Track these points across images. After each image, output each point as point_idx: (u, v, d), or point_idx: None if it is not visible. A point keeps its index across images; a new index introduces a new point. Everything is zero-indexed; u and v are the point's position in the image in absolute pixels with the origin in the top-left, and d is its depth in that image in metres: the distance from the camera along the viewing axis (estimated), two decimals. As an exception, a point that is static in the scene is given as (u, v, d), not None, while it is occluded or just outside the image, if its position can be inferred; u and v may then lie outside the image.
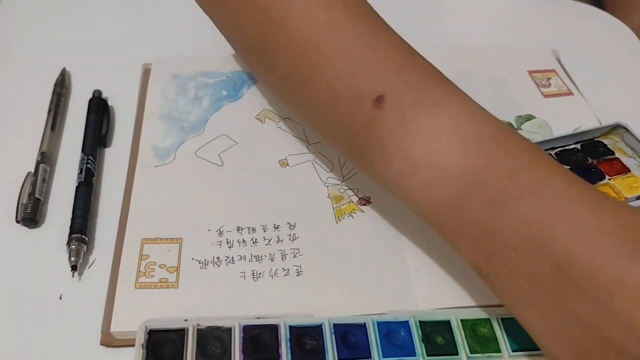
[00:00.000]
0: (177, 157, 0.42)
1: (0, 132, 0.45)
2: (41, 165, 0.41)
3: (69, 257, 0.36)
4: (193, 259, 0.37)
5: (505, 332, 0.34)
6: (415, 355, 0.33)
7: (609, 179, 0.42)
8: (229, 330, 0.33)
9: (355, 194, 0.41)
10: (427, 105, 0.30)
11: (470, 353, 0.33)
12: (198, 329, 0.33)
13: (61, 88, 0.47)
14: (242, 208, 0.40)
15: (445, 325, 0.34)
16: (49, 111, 0.45)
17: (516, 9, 0.61)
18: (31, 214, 0.38)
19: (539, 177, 0.28)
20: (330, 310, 0.35)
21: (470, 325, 0.34)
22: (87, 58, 0.50)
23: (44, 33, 0.53)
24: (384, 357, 0.33)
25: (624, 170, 0.43)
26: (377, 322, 0.34)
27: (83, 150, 0.42)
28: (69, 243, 0.37)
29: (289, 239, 0.38)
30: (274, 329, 0.33)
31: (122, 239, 0.38)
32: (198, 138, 0.44)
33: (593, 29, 0.59)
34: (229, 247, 0.38)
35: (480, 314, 0.35)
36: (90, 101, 0.46)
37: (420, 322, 0.34)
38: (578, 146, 0.45)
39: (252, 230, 0.39)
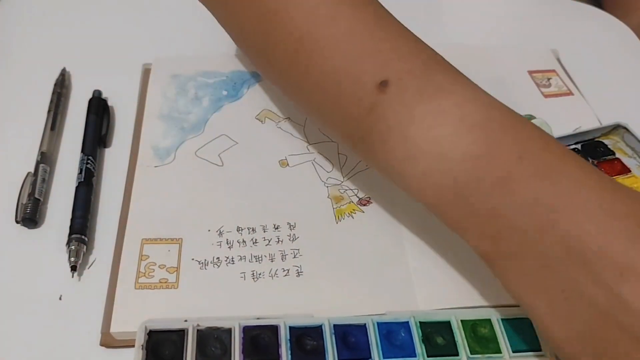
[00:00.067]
0: (177, 157, 0.42)
1: (0, 132, 0.45)
2: (41, 165, 0.41)
3: (69, 257, 0.36)
4: (193, 259, 0.37)
5: (505, 332, 0.34)
6: (415, 356, 0.33)
7: (610, 179, 0.42)
8: (228, 331, 0.33)
9: (356, 194, 0.41)
10: (432, 92, 0.30)
11: (471, 353, 0.33)
12: (198, 330, 0.33)
13: (61, 88, 0.47)
14: (242, 208, 0.40)
15: (446, 325, 0.34)
16: (49, 111, 0.45)
17: (516, 9, 0.61)
18: (31, 214, 0.38)
19: (549, 161, 0.27)
20: (330, 311, 0.34)
21: (470, 326, 0.34)
22: (87, 58, 0.50)
23: (44, 33, 0.53)
24: (384, 357, 0.33)
25: (625, 170, 0.43)
26: (377, 323, 0.34)
27: (83, 150, 0.42)
28: (68, 243, 0.37)
29: (289, 239, 0.38)
30: (274, 329, 0.33)
31: (122, 239, 0.38)
32: (198, 138, 0.44)
33: (593, 29, 0.58)
34: (229, 247, 0.38)
35: (480, 314, 0.35)
36: (90, 101, 0.45)
37: (420, 322, 0.34)
38: (578, 146, 0.45)
39: (252, 230, 0.39)
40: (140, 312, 0.34)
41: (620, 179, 0.42)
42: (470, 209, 0.28)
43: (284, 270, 0.37)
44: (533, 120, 0.48)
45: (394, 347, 0.33)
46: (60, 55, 0.50)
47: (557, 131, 0.46)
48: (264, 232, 0.39)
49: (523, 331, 0.34)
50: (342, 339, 0.33)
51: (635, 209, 0.26)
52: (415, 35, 0.33)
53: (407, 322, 0.34)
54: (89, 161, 0.41)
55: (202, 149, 0.43)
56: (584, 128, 0.45)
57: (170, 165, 0.42)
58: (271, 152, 0.43)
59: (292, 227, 0.39)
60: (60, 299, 0.36)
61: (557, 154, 0.28)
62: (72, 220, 0.38)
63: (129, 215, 0.39)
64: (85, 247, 0.37)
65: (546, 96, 0.50)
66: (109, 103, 0.46)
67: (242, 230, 0.39)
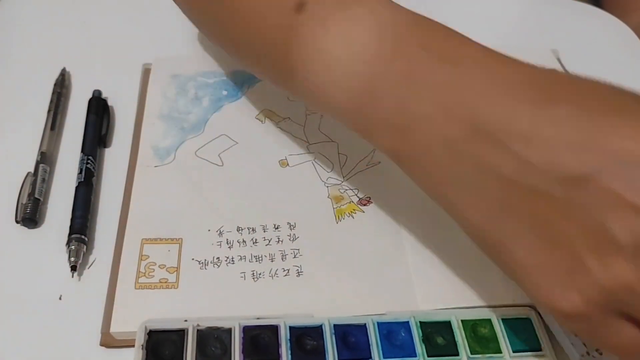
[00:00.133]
0: (177, 157, 0.42)
1: (0, 132, 0.45)
2: (41, 165, 0.41)
3: (69, 257, 0.36)
4: (193, 259, 0.37)
5: (505, 332, 0.34)
6: (415, 356, 0.33)
7: (610, 179, 0.42)
8: (229, 331, 0.33)
9: (356, 194, 0.41)
10: (348, 4, 0.30)
11: (471, 353, 0.33)
12: (198, 330, 0.33)
13: (61, 88, 0.47)
14: (242, 208, 0.40)
15: (446, 325, 0.34)
16: (49, 111, 0.45)
17: (516, 9, 0.61)
18: (31, 214, 0.38)
19: (452, 47, 0.28)
20: (331, 311, 0.34)
21: (470, 326, 0.34)
22: (87, 58, 0.50)
23: (44, 33, 0.53)
24: (384, 357, 0.33)
25: (625, 170, 0.43)
26: (378, 323, 0.34)
27: (83, 150, 0.42)
28: (68, 243, 0.37)
29: (289, 239, 0.38)
30: (274, 329, 0.33)
31: (122, 239, 0.38)
32: (198, 138, 0.44)
33: (593, 29, 0.58)
34: (229, 247, 0.38)
35: (481, 314, 0.35)
36: (90, 101, 0.45)
37: (420, 322, 0.34)
38: (578, 146, 0.45)
39: (252, 230, 0.39)
40: (140, 312, 0.34)
41: (621, 178, 0.42)
42: (379, 107, 0.28)
43: (284, 270, 0.37)
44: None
45: (394, 347, 0.33)
46: (60, 55, 0.50)
47: (557, 131, 0.46)
48: (264, 232, 0.39)
49: (523, 331, 0.34)
50: (342, 339, 0.33)
51: (537, 77, 0.26)
52: None
53: (407, 322, 0.34)
54: (89, 161, 0.41)
55: (202, 149, 0.43)
56: (584, 128, 0.45)
57: (170, 165, 0.42)
58: (271, 152, 0.43)
59: (292, 227, 0.39)
60: (60, 299, 0.36)
61: (459, 40, 0.29)
62: (72, 220, 0.38)
63: (129, 215, 0.39)
64: (85, 247, 0.37)
65: (546, 96, 0.50)
66: (109, 103, 0.46)
67: (242, 230, 0.39)
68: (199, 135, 0.44)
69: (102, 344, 0.34)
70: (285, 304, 0.35)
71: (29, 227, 0.39)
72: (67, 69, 0.48)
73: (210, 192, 0.40)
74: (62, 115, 0.46)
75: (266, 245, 0.38)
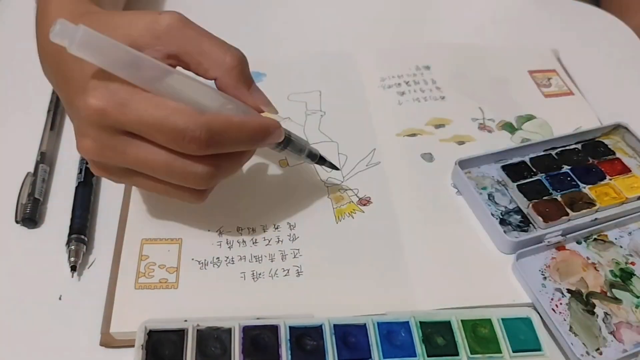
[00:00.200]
0: (177, 157, 0.42)
1: (0, 132, 0.45)
2: (41, 165, 0.41)
3: (69, 257, 0.36)
4: (193, 259, 0.37)
5: (505, 332, 0.34)
6: (415, 356, 0.33)
7: (610, 179, 0.42)
8: (228, 331, 0.33)
9: (356, 194, 0.41)
10: None
11: (471, 353, 0.33)
12: (198, 330, 0.33)
13: (61, 88, 0.46)
14: (242, 208, 0.40)
15: (446, 325, 0.34)
16: (49, 111, 0.45)
17: (516, 9, 0.61)
18: (30, 214, 0.38)
19: None
20: (330, 311, 0.34)
21: (470, 326, 0.34)
22: (87, 58, 0.50)
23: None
24: (384, 357, 0.33)
25: (625, 170, 0.43)
26: (378, 323, 0.34)
27: (83, 151, 0.42)
28: (68, 243, 0.37)
29: (289, 239, 0.38)
30: (274, 329, 0.33)
31: (121, 239, 0.38)
32: (198, 138, 0.44)
33: (593, 29, 0.58)
34: (229, 247, 0.38)
35: (480, 314, 0.35)
36: (90, 101, 0.45)
37: (420, 322, 0.34)
38: (579, 146, 0.45)
39: (252, 230, 0.39)
40: (140, 312, 0.34)
41: (621, 179, 0.42)
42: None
43: (284, 270, 0.37)
44: (534, 120, 0.48)
45: (394, 347, 0.33)
46: (60, 55, 0.49)
47: (558, 131, 0.46)
48: (264, 232, 0.39)
49: (523, 331, 0.34)
50: (342, 339, 0.33)
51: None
52: None
53: (407, 322, 0.34)
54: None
55: (202, 149, 0.43)
56: (584, 128, 0.45)
57: (170, 165, 0.42)
58: (271, 152, 0.43)
59: (292, 227, 0.39)
60: (60, 299, 0.36)
61: None
62: (72, 220, 0.38)
63: (128, 215, 0.39)
64: (85, 247, 0.37)
65: (546, 96, 0.50)
66: (109, 103, 0.46)
67: (242, 230, 0.39)
68: (199, 135, 0.44)
69: (102, 344, 0.34)
70: (285, 304, 0.35)
71: (29, 227, 0.39)
72: (67, 69, 0.48)
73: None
74: (62, 115, 0.46)
75: (266, 245, 0.38)
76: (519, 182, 0.41)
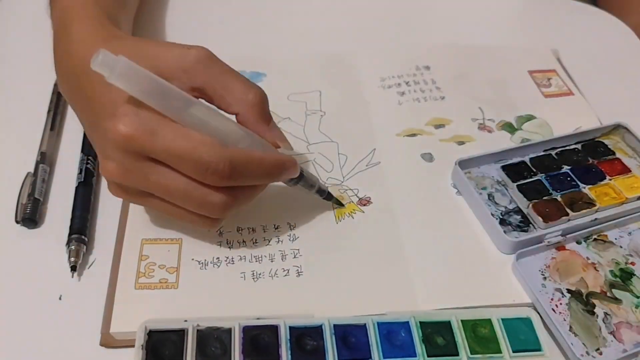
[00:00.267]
0: (177, 157, 0.42)
1: (0, 132, 0.45)
2: (41, 165, 0.41)
3: (69, 257, 0.36)
4: (193, 259, 0.37)
5: (505, 332, 0.34)
6: (415, 356, 0.33)
7: (610, 179, 0.42)
8: (228, 331, 0.33)
9: (356, 194, 0.41)
10: None
11: (471, 354, 0.33)
12: (198, 330, 0.33)
13: (61, 88, 0.46)
14: (242, 208, 0.40)
15: (446, 325, 0.34)
16: (49, 111, 0.45)
17: (516, 9, 0.61)
18: (31, 214, 0.38)
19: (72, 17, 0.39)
20: (331, 311, 0.34)
21: (470, 326, 0.34)
22: (87, 58, 0.50)
23: (44, 33, 0.52)
24: (384, 357, 0.33)
25: (625, 170, 0.43)
26: (378, 323, 0.34)
27: (83, 150, 0.42)
28: (68, 243, 0.37)
29: (289, 240, 0.38)
30: (274, 329, 0.33)
31: (121, 239, 0.38)
32: (198, 138, 0.44)
33: (593, 29, 0.58)
34: (229, 247, 0.38)
35: (480, 314, 0.35)
36: (90, 101, 0.45)
37: (420, 322, 0.34)
38: (579, 146, 0.45)
39: (252, 230, 0.39)
40: (140, 312, 0.34)
41: (621, 179, 0.42)
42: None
43: (284, 270, 0.37)
44: (534, 121, 0.48)
45: (394, 347, 0.33)
46: (60, 55, 0.49)
47: (558, 131, 0.46)
48: (264, 232, 0.39)
49: (523, 331, 0.34)
50: (342, 339, 0.33)
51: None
52: None
53: (407, 322, 0.34)
54: (89, 161, 0.41)
55: (202, 149, 0.43)
56: (584, 128, 0.45)
57: (170, 165, 0.42)
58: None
59: (292, 227, 0.39)
60: (60, 299, 0.36)
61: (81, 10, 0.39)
62: (72, 220, 0.38)
63: (128, 215, 0.39)
64: (85, 247, 0.37)
65: (546, 96, 0.50)
66: (109, 103, 0.46)
67: (242, 230, 0.39)
68: (199, 135, 0.44)
69: (102, 344, 0.34)
70: (285, 304, 0.35)
71: (29, 227, 0.39)
72: (67, 69, 0.48)
73: (210, 192, 0.40)
74: (62, 115, 0.46)
75: (266, 245, 0.38)
76: (519, 182, 0.41)
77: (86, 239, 0.37)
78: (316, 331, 0.33)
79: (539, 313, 0.35)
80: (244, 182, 0.34)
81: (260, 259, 0.37)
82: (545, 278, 0.37)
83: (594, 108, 0.49)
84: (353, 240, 0.39)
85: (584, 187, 0.41)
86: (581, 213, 0.40)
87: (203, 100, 0.34)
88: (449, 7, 0.60)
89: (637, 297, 0.37)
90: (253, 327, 0.33)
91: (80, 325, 0.34)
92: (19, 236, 0.38)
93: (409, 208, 0.41)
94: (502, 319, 0.35)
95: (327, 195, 0.39)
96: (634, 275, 0.38)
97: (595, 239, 0.40)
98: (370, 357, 0.33)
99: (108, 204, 0.40)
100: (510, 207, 0.41)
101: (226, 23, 0.56)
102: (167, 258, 0.37)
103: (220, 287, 0.36)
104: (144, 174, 0.32)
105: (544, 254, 0.38)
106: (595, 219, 0.40)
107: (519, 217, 0.40)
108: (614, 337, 0.35)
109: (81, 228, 0.38)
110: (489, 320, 0.35)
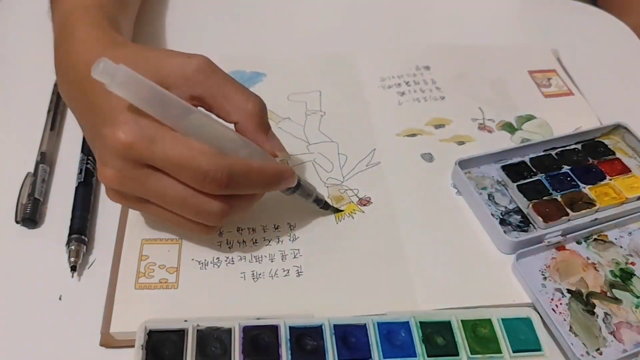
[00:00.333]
0: (177, 157, 0.42)
1: (0, 132, 0.45)
2: (41, 165, 0.41)
3: (69, 257, 0.36)
4: (193, 259, 0.37)
5: (505, 332, 0.34)
6: (415, 356, 0.33)
7: (610, 179, 0.42)
8: (228, 331, 0.33)
9: (356, 195, 0.41)
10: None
11: (471, 354, 0.33)
12: (198, 330, 0.33)
13: (61, 88, 0.46)
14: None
15: (446, 325, 0.34)
16: (49, 111, 0.45)
17: (516, 9, 0.61)
18: (31, 214, 0.38)
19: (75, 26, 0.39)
20: (331, 311, 0.34)
21: (470, 326, 0.34)
22: (87, 58, 0.50)
23: (44, 33, 0.52)
24: (384, 357, 0.33)
25: (625, 170, 0.43)
26: (378, 323, 0.34)
27: (83, 151, 0.42)
28: (68, 243, 0.37)
29: (289, 240, 0.38)
30: (274, 329, 0.33)
31: (121, 239, 0.38)
32: (198, 138, 0.44)
33: (593, 29, 0.58)
34: (229, 247, 0.38)
35: (480, 314, 0.35)
36: (90, 101, 0.45)
37: (420, 322, 0.34)
38: (579, 146, 0.45)
39: (252, 230, 0.39)
40: (140, 312, 0.34)
41: (621, 179, 0.42)
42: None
43: (284, 270, 0.37)
44: (534, 121, 0.48)
45: (394, 347, 0.33)
46: (60, 55, 0.49)
47: (558, 131, 0.46)
48: (264, 232, 0.39)
49: (523, 331, 0.34)
50: (342, 339, 0.33)
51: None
52: None
53: (407, 322, 0.34)
54: (89, 161, 0.41)
55: (202, 149, 0.43)
56: (584, 128, 0.45)
57: (170, 165, 0.42)
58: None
59: (292, 227, 0.39)
60: (60, 299, 0.36)
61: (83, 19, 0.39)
62: (72, 220, 0.38)
63: (128, 215, 0.39)
64: (85, 247, 0.37)
65: (546, 96, 0.50)
66: (109, 103, 0.46)
67: (242, 230, 0.39)
68: (199, 135, 0.44)
69: (102, 344, 0.34)
70: (285, 304, 0.35)
71: (29, 227, 0.39)
72: (67, 69, 0.48)
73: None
74: (62, 115, 0.46)
75: (266, 245, 0.38)
76: (519, 182, 0.41)
77: (86, 239, 0.37)
78: (316, 331, 0.33)
79: (539, 313, 0.35)
80: (242, 191, 0.34)
81: (260, 259, 0.37)
82: (545, 278, 0.37)
83: (594, 108, 0.49)
84: (353, 241, 0.39)
85: (584, 187, 0.41)
86: (581, 213, 0.40)
87: (202, 109, 0.34)
88: (449, 7, 0.60)
89: (637, 297, 0.37)
90: (253, 327, 0.33)
91: (80, 325, 0.34)
92: (19, 236, 0.38)
93: (409, 208, 0.41)
94: (502, 319, 0.35)
95: (324, 205, 0.39)
96: (634, 275, 0.38)
97: (595, 239, 0.40)
98: (370, 357, 0.33)
99: (108, 204, 0.40)
100: (510, 207, 0.41)
101: (226, 23, 0.56)
102: (167, 258, 0.37)
103: (220, 287, 0.36)
104: (142, 181, 0.32)
105: (544, 254, 0.38)
106: (595, 219, 0.40)
107: (519, 217, 0.40)
108: (614, 337, 0.35)
109: (81, 228, 0.38)
110: (489, 320, 0.35)
